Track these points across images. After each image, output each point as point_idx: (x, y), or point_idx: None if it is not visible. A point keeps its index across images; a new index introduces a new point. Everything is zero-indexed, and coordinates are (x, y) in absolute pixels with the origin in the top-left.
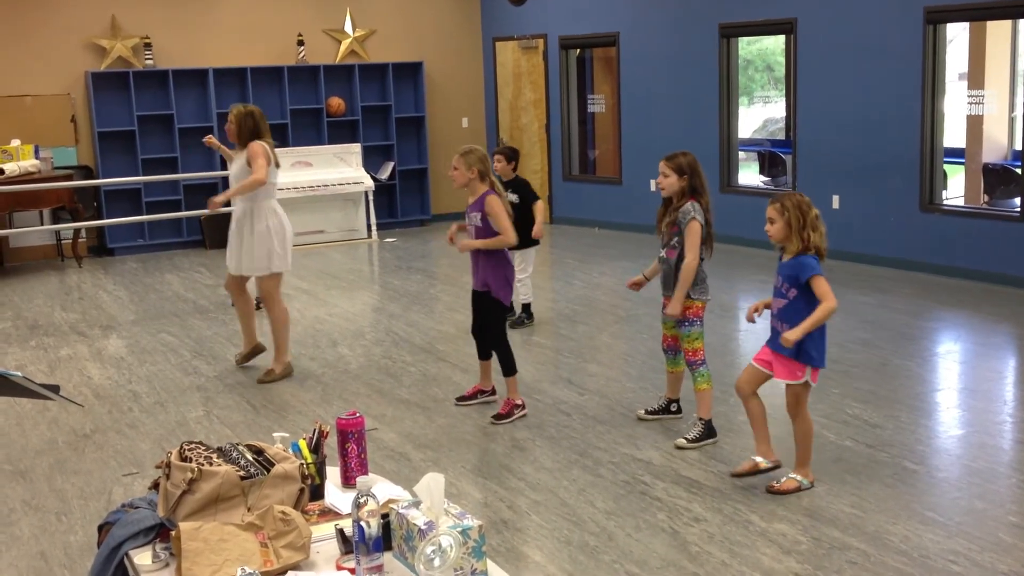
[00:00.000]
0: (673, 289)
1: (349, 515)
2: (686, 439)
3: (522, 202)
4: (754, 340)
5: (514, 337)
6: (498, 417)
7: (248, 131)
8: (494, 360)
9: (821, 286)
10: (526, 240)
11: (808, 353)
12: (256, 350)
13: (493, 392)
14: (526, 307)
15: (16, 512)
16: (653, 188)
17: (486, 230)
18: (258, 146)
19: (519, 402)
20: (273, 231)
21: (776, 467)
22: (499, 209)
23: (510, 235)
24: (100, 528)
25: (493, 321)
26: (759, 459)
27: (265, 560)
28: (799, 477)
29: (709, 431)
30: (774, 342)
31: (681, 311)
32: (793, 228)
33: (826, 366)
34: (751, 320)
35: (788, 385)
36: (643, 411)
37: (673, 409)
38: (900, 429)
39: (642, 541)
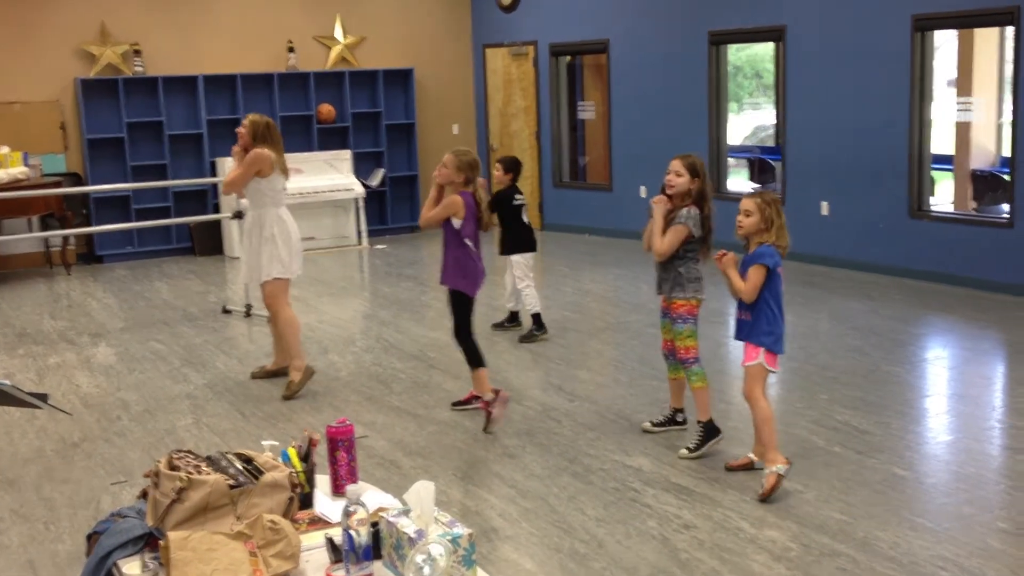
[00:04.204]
0: (661, 287)
1: (339, 524)
2: (688, 449)
3: (514, 211)
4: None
5: (503, 343)
6: (456, 403)
7: (258, 139)
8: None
9: (755, 277)
10: (515, 247)
11: (759, 337)
12: (283, 373)
13: (495, 398)
14: (535, 317)
15: (4, 521)
16: (643, 194)
17: (448, 229)
18: (253, 154)
19: (483, 396)
20: (279, 237)
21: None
22: (452, 205)
23: (427, 218)
24: (89, 537)
25: (457, 314)
26: (754, 457)
27: (254, 569)
28: (774, 468)
29: (710, 432)
30: (738, 331)
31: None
32: (771, 225)
33: (784, 352)
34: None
35: (746, 367)
36: (649, 423)
37: (679, 420)
38: (889, 435)
39: (632, 548)
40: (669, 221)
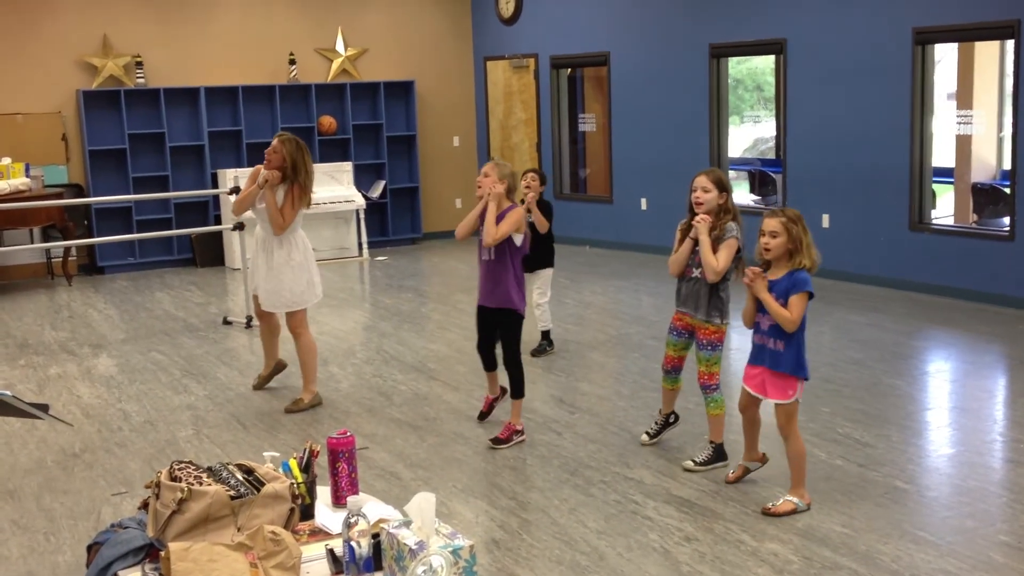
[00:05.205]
0: (696, 308)
1: (339, 535)
2: (694, 461)
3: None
4: (744, 359)
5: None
6: (496, 441)
7: (292, 167)
8: (501, 370)
9: (800, 306)
10: (540, 262)
11: (795, 369)
12: (279, 367)
13: (503, 392)
14: (545, 334)
15: (4, 532)
16: (644, 207)
17: (508, 246)
18: (299, 191)
19: (519, 428)
20: (309, 261)
21: (764, 462)
22: (517, 218)
23: (491, 236)
24: (89, 548)
25: (513, 339)
26: (747, 464)
27: None
28: (795, 499)
29: (719, 454)
30: (763, 359)
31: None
32: (801, 244)
33: (809, 378)
34: (747, 278)
35: (779, 405)
36: (645, 436)
37: (671, 421)
38: (891, 448)
39: (633, 561)
40: (714, 239)
